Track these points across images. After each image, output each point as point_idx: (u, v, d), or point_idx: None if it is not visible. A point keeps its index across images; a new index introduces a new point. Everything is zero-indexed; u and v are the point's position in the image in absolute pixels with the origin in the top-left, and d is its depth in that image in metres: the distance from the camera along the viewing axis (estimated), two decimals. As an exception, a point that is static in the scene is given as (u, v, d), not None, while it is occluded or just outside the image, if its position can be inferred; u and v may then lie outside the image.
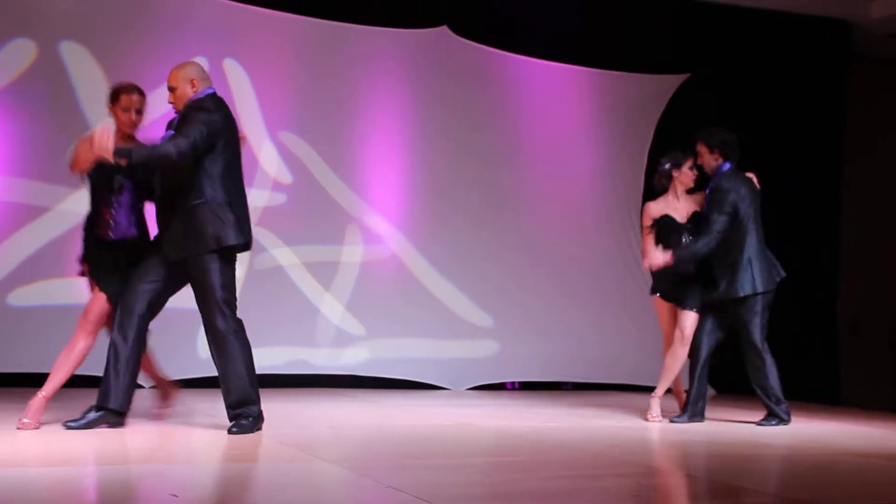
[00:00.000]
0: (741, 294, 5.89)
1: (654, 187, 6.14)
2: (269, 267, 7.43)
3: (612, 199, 8.66)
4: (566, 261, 8.41)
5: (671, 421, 5.93)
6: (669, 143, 8.50)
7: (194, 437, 4.67)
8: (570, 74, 8.61)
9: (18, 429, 4.57)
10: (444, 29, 8.06)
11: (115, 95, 4.84)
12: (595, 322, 8.38)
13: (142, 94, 4.87)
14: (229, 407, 4.78)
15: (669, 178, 6.04)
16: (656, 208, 6.08)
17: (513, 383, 8.31)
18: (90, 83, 6.84)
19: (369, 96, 7.86)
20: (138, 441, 4.49)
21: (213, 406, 5.81)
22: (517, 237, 8.25)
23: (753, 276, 5.90)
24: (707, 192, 5.98)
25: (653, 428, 5.75)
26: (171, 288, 4.87)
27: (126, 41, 6.99)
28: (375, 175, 7.87)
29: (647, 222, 6.07)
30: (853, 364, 8.75)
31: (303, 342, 7.51)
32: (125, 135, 4.80)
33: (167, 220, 4.75)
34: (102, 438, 4.48)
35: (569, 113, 8.63)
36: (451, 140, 8.07)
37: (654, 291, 6.14)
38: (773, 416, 5.93)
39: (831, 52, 8.72)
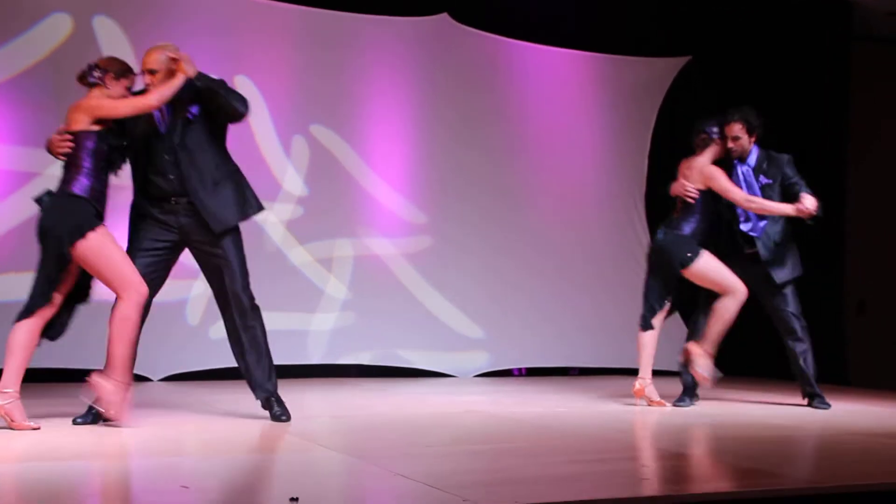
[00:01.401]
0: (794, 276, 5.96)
1: (693, 146, 6.00)
2: (272, 252, 7.41)
3: (616, 184, 8.66)
4: (571, 245, 8.41)
5: (674, 405, 5.93)
6: (672, 126, 8.52)
7: (201, 429, 4.69)
8: (572, 59, 8.59)
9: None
10: (445, 16, 8.03)
11: (126, 73, 4.69)
12: (601, 306, 8.38)
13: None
14: (273, 388, 4.85)
15: (708, 144, 5.94)
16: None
17: (519, 369, 8.32)
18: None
19: (368, 86, 7.84)
20: (146, 434, 4.50)
21: (217, 398, 5.83)
22: (521, 223, 8.24)
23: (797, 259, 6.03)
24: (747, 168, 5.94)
25: (658, 412, 5.75)
26: (170, 267, 4.89)
27: (153, 16, 6.98)
28: (375, 165, 7.85)
29: (712, 175, 5.89)
30: (860, 344, 8.74)
31: (307, 330, 7.51)
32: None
33: (205, 194, 4.71)
34: (109, 432, 4.50)
35: (571, 98, 8.61)
36: (453, 128, 8.05)
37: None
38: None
39: (832, 32, 8.69)
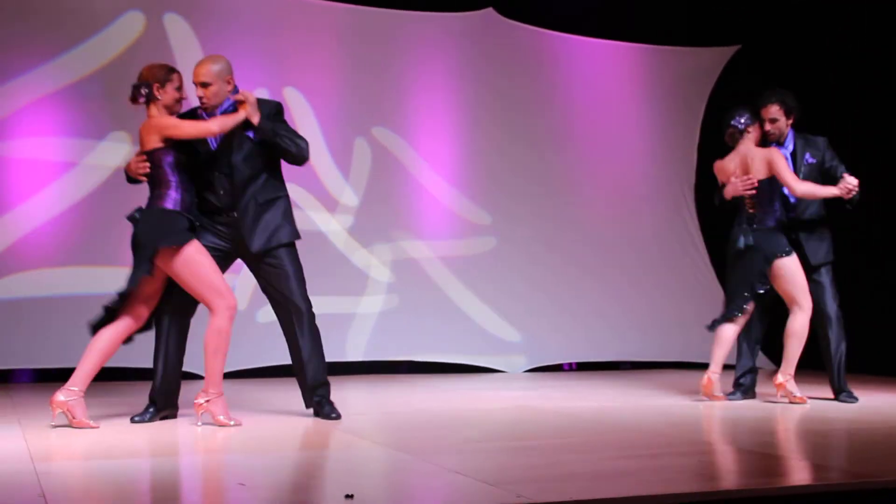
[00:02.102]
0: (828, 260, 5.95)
1: (725, 142, 5.96)
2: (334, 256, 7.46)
3: (665, 176, 8.60)
4: (620, 239, 8.36)
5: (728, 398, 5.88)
6: (722, 117, 8.41)
7: (253, 426, 4.73)
8: (618, 51, 8.54)
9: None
10: (490, 11, 8.02)
11: (168, 75, 4.72)
12: (651, 300, 8.33)
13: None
14: (325, 391, 4.94)
15: (743, 133, 5.85)
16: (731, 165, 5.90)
17: (570, 364, 8.29)
18: (188, 55, 6.92)
19: (415, 82, 7.86)
20: (201, 432, 4.55)
21: (269, 395, 5.88)
22: (571, 218, 8.22)
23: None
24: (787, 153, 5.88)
25: (712, 406, 5.70)
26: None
27: (219, 14, 7.19)
28: (426, 162, 7.87)
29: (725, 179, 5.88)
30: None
31: (359, 328, 7.54)
32: (173, 113, 4.76)
33: (250, 213, 4.80)
34: (163, 430, 4.56)
35: (618, 90, 8.56)
36: (501, 123, 8.05)
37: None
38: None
39: (885, 16, 8.52)
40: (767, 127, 5.92)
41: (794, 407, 5.65)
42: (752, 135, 5.84)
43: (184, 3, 7.16)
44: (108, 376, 6.32)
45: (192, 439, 4.39)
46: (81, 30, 6.85)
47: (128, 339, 4.74)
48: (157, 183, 4.68)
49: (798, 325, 5.76)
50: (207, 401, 4.64)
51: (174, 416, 4.91)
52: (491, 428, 4.88)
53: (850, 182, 5.75)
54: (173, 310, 4.82)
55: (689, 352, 8.24)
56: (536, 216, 8.11)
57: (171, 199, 4.64)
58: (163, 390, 4.85)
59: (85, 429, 4.50)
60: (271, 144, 4.79)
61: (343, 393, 5.41)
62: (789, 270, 5.73)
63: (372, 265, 7.61)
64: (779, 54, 8.44)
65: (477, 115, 8.02)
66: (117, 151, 6.78)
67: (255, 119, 4.72)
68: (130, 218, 4.70)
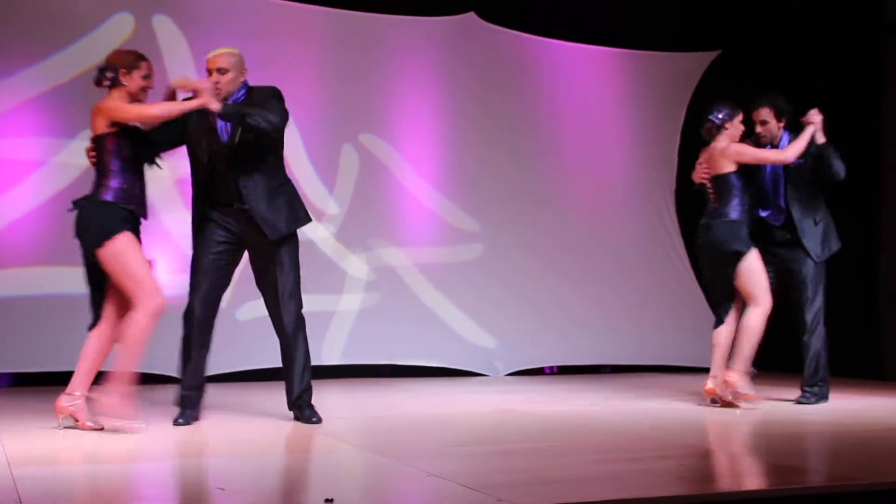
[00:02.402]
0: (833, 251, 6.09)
1: (703, 136, 5.94)
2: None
3: (645, 180, 8.62)
4: (601, 243, 8.38)
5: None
6: (702, 121, 8.45)
7: (235, 430, 4.70)
8: (599, 56, 8.56)
9: None
10: (471, 15, 8.02)
11: (136, 62, 4.63)
12: (632, 304, 8.35)
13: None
14: (307, 395, 4.92)
15: (720, 129, 5.82)
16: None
17: (551, 368, 8.29)
18: (177, 56, 6.98)
19: (396, 86, 7.85)
20: (182, 435, 4.52)
21: (251, 399, 5.86)
22: (551, 222, 8.22)
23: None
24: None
25: (693, 409, 5.71)
26: (233, 268, 4.99)
27: (208, 16, 7.19)
28: (405, 165, 7.86)
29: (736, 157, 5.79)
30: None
31: (339, 331, 7.52)
32: (137, 101, 4.66)
33: (262, 202, 4.78)
34: (144, 435, 4.53)
35: (599, 95, 8.58)
36: (481, 127, 8.05)
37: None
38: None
39: (864, 22, 8.59)
40: (758, 129, 5.97)
41: (777, 410, 5.67)
42: (729, 132, 5.80)
43: (172, 4, 7.13)
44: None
45: (172, 444, 4.36)
46: (71, 31, 6.81)
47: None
48: (100, 171, 4.57)
49: (753, 321, 5.69)
50: (73, 401, 4.55)
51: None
52: (472, 431, 4.88)
53: (814, 116, 5.85)
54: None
55: (669, 355, 8.27)
56: (518, 221, 8.11)
57: (111, 190, 4.53)
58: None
59: (88, 430, 4.50)
60: (242, 127, 4.71)
61: (323, 396, 5.38)
62: (748, 266, 5.69)
63: (355, 269, 7.58)
64: (758, 60, 8.49)
65: (458, 121, 8.01)
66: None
67: (214, 106, 4.62)
68: (75, 204, 4.58)
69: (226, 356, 6.82)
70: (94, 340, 4.60)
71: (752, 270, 5.70)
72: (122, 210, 4.54)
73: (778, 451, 4.41)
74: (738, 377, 5.68)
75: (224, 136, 4.80)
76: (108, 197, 4.53)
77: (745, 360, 5.72)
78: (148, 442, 4.40)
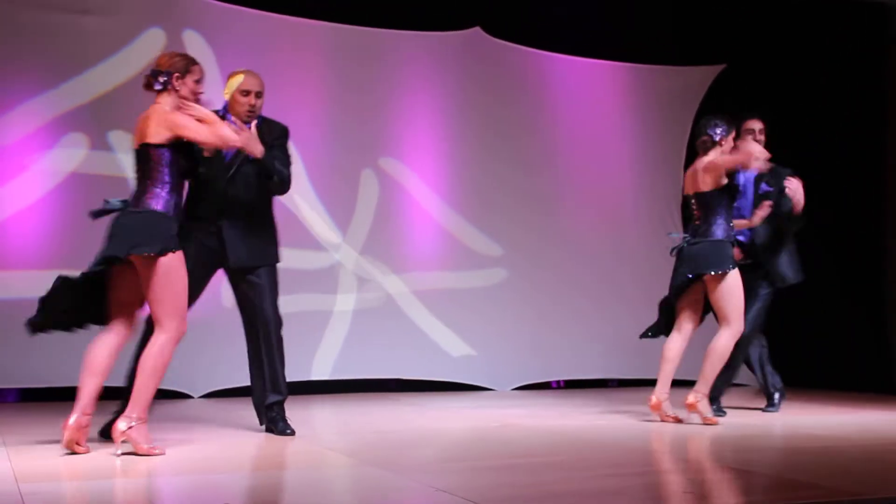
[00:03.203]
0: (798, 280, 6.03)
1: (696, 148, 5.85)
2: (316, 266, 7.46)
3: (651, 194, 8.62)
4: (608, 257, 8.38)
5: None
6: (698, 134, 8.44)
7: (240, 445, 4.71)
8: (606, 70, 8.58)
9: None
10: (477, 30, 8.05)
11: (189, 66, 4.49)
12: (639, 318, 8.30)
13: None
14: (280, 407, 4.95)
15: (715, 145, 5.70)
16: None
17: (557, 382, 8.28)
18: (206, 70, 7.00)
19: (402, 100, 7.88)
20: (186, 451, 4.53)
21: (251, 413, 5.86)
22: (558, 235, 8.23)
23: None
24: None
25: (700, 424, 5.69)
26: (203, 287, 4.97)
27: (235, 31, 7.34)
28: (413, 179, 7.88)
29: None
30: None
31: (345, 344, 7.53)
32: (179, 109, 4.58)
33: (237, 228, 4.84)
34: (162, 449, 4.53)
35: (606, 109, 8.59)
36: (488, 141, 8.07)
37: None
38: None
39: (869, 36, 8.60)
40: (759, 136, 5.97)
41: (773, 425, 5.65)
42: (723, 148, 5.70)
43: (201, 20, 7.26)
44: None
45: (177, 459, 4.36)
46: (108, 46, 6.99)
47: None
48: (147, 179, 4.34)
49: (721, 344, 5.60)
50: (130, 427, 4.28)
51: None
52: (477, 446, 4.88)
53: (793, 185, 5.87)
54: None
55: (676, 370, 8.23)
56: (525, 235, 8.12)
57: (163, 201, 4.34)
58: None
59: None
60: (265, 170, 4.83)
61: (329, 410, 5.40)
62: (728, 287, 5.59)
63: (359, 282, 7.61)
64: (764, 74, 8.50)
65: (463, 135, 8.03)
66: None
67: (257, 152, 4.76)
68: (108, 209, 4.36)
69: (231, 369, 6.86)
70: (101, 357, 4.37)
71: (731, 290, 5.59)
72: (175, 224, 4.37)
73: (783, 465, 4.40)
74: (701, 400, 5.56)
75: (227, 157, 4.85)
76: (160, 208, 4.33)
77: (707, 383, 5.61)
78: (154, 458, 4.40)
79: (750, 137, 5.96)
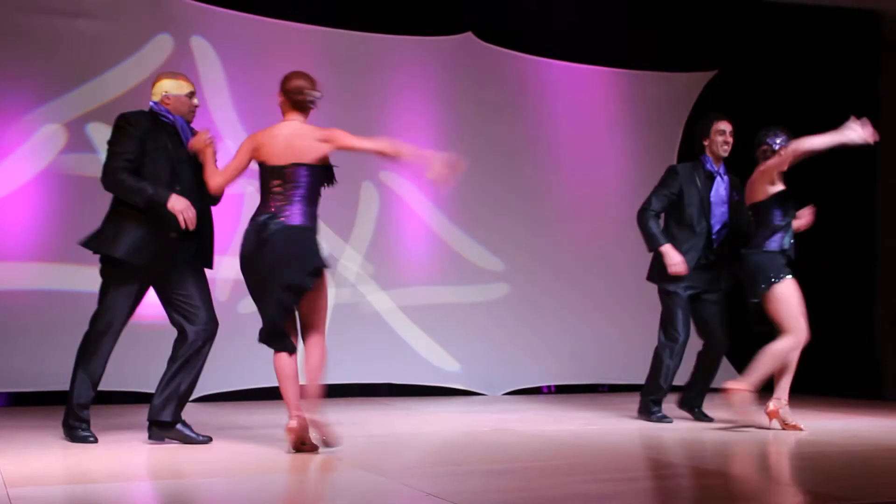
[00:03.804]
0: None
1: (756, 157, 5.78)
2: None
3: (642, 200, 8.61)
4: (598, 263, 8.38)
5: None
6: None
7: (231, 449, 4.69)
8: (598, 76, 8.59)
9: None
10: (469, 35, 8.06)
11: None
12: (629, 323, 8.34)
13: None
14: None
15: (773, 154, 5.67)
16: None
17: (549, 387, 8.28)
18: (212, 75, 7.31)
19: (395, 105, 7.88)
20: (176, 455, 4.51)
21: (247, 418, 5.85)
22: (550, 243, 8.23)
23: None
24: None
25: (690, 428, 5.70)
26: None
27: (240, 37, 7.47)
28: (403, 184, 7.87)
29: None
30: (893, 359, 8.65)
31: (338, 349, 7.51)
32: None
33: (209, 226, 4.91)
34: (137, 454, 4.52)
35: (597, 115, 8.60)
36: (480, 146, 8.05)
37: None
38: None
39: (862, 43, 8.64)
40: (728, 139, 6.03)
41: (762, 430, 5.65)
42: (774, 160, 5.67)
43: (208, 27, 7.37)
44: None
45: (171, 463, 4.35)
46: (121, 52, 7.11)
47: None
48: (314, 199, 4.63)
49: (777, 347, 5.54)
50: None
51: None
52: (469, 451, 4.87)
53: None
54: None
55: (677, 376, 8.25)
56: (515, 243, 8.12)
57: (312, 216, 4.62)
58: None
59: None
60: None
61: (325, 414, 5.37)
62: (783, 295, 5.55)
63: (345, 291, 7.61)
64: (755, 79, 8.52)
65: (455, 140, 8.00)
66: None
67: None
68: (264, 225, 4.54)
69: (223, 374, 6.84)
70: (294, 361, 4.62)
71: (787, 298, 5.55)
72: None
73: (774, 471, 4.41)
74: (781, 405, 5.60)
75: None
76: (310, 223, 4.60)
77: (779, 389, 5.63)
78: (144, 461, 4.39)
79: (721, 139, 6.00)
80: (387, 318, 7.73)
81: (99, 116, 6.92)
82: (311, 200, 4.60)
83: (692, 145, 8.46)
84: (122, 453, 4.53)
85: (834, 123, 8.04)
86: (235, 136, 7.03)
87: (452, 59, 8.02)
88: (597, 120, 8.59)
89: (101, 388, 4.88)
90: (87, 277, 5.51)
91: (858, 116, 5.89)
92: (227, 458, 4.48)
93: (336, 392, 7.28)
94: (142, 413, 4.92)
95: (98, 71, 7.04)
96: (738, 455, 4.84)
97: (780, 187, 5.66)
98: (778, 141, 5.70)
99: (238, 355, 6.68)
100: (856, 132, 5.57)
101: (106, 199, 4.86)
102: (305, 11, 7.61)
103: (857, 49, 8.43)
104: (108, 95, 6.99)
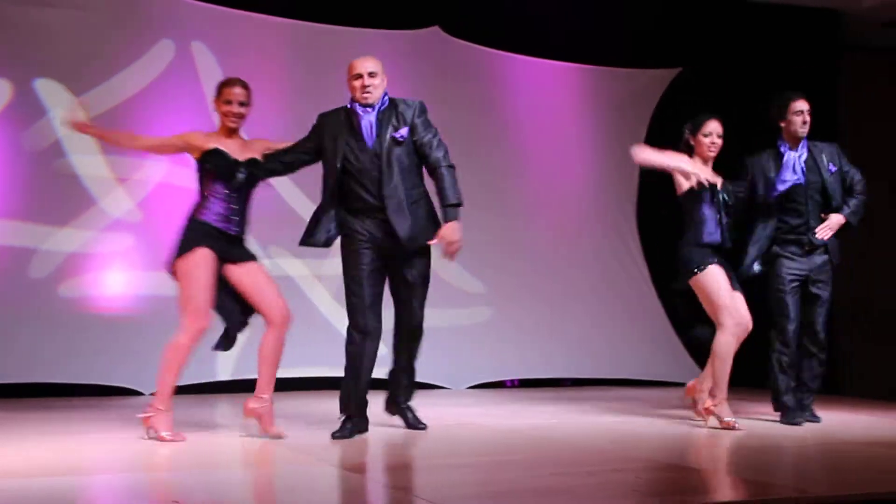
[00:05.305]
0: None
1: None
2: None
3: (607, 195, 8.68)
4: (563, 258, 8.42)
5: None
6: (665, 138, 8.51)
7: (194, 443, 4.68)
8: (563, 72, 8.62)
9: None
10: (436, 29, 8.06)
11: (218, 90, 4.94)
12: (593, 318, 8.40)
13: (245, 86, 4.93)
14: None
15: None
16: None
17: (512, 381, 8.32)
18: (213, 80, 7.23)
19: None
20: (139, 449, 4.50)
21: (212, 411, 5.83)
22: (513, 236, 8.26)
23: None
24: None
25: (651, 423, 5.75)
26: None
27: (237, 41, 7.60)
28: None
29: None
30: (850, 353, 8.77)
31: (300, 344, 7.49)
32: (228, 129, 4.90)
33: (401, 210, 4.89)
34: (95, 447, 4.50)
35: (562, 110, 8.64)
36: (445, 140, 8.05)
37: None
38: None
39: (823, 42, 8.74)
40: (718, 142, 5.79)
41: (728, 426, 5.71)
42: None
43: (207, 32, 7.46)
44: (91, 392, 6.47)
45: (133, 456, 4.33)
46: (123, 57, 7.25)
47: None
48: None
49: (721, 345, 5.51)
50: (150, 416, 4.66)
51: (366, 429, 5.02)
52: (431, 444, 4.89)
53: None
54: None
55: (629, 369, 8.32)
56: (478, 235, 8.10)
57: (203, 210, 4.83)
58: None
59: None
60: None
61: (289, 408, 5.37)
62: (706, 284, 5.51)
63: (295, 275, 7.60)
64: (719, 77, 8.59)
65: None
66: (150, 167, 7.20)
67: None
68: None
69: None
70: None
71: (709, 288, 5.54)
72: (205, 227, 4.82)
73: (732, 463, 4.46)
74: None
75: (370, 143, 4.91)
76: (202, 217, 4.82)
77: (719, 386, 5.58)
78: (108, 454, 4.37)
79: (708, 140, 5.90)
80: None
81: (107, 120, 6.92)
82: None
83: (657, 141, 8.54)
84: (87, 446, 4.51)
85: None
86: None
87: (419, 53, 8.01)
88: (563, 115, 8.63)
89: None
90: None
91: (818, 116, 5.94)
92: (187, 452, 4.47)
93: (300, 385, 7.30)
94: (114, 406, 4.89)
95: (107, 76, 7.16)
96: (699, 449, 4.90)
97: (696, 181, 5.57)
98: (686, 130, 5.75)
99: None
100: (697, 172, 5.55)
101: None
102: (266, 2, 7.58)
103: (817, 48, 8.53)
104: (115, 101, 7.15)
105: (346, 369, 4.94)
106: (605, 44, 8.56)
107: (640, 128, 8.70)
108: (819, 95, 8.30)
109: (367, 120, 4.93)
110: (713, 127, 5.72)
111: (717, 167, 5.97)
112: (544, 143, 8.50)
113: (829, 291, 5.87)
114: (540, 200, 8.43)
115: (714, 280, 5.50)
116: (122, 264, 7.15)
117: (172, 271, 4.75)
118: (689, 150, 5.76)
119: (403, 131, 4.94)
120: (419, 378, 7.74)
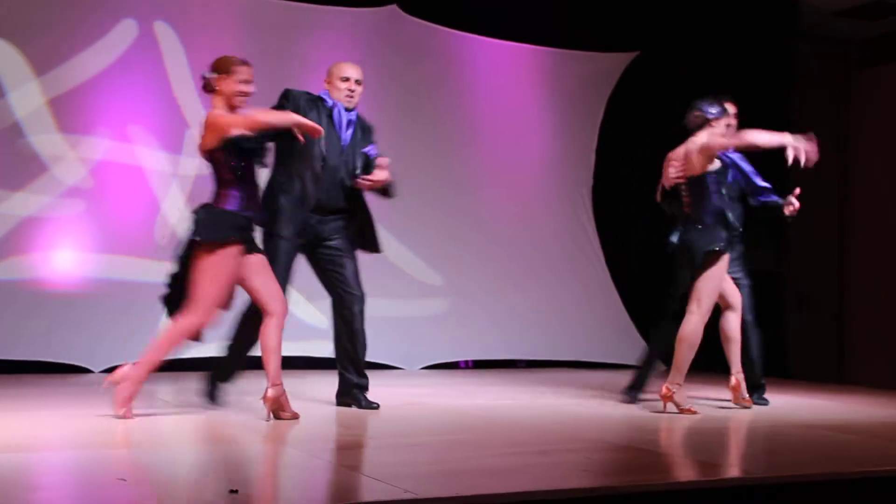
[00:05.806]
0: None
1: (688, 127, 5.63)
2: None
3: (563, 177, 8.71)
4: (518, 239, 8.44)
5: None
6: (621, 120, 8.56)
7: (144, 421, 4.63)
8: (520, 53, 8.61)
9: None
10: (394, 8, 8.01)
11: (230, 69, 4.71)
12: (548, 300, 8.43)
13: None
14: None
15: (705, 124, 5.56)
16: None
17: (466, 362, 8.33)
18: (177, 61, 7.39)
19: (317, 76, 7.77)
20: (87, 425, 4.43)
21: (161, 389, 5.77)
22: (469, 216, 8.26)
23: None
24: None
25: (603, 404, 5.78)
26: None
27: (202, 21, 7.54)
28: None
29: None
30: (800, 337, 8.91)
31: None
32: (234, 108, 4.71)
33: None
34: (48, 423, 4.43)
35: (519, 91, 8.64)
36: (401, 119, 8.03)
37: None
38: None
39: (778, 29, 8.81)
40: (733, 121, 5.80)
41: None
42: (713, 129, 5.51)
43: (171, 11, 7.37)
44: (41, 369, 6.49)
45: (82, 434, 4.27)
46: (86, 37, 7.15)
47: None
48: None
49: (688, 332, 5.35)
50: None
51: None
52: (381, 424, 4.88)
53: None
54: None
55: (582, 351, 8.37)
56: (433, 214, 8.12)
57: (227, 199, 4.68)
58: None
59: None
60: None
61: (237, 387, 5.33)
62: (712, 270, 5.35)
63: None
64: (676, 62, 8.63)
65: (376, 112, 7.94)
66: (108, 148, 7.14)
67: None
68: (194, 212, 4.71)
69: (137, 345, 6.72)
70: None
71: (713, 274, 5.39)
72: (242, 218, 4.67)
73: (682, 445, 4.50)
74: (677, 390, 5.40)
75: (345, 142, 5.19)
76: (228, 206, 4.64)
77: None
78: (55, 431, 4.31)
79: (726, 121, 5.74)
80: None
81: (69, 100, 6.98)
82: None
83: (613, 124, 8.58)
84: (43, 423, 4.44)
85: (748, 108, 8.20)
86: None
87: (376, 31, 7.95)
88: (519, 97, 8.63)
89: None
90: None
91: (771, 103, 6.01)
92: (135, 429, 4.41)
93: (255, 365, 7.25)
94: (65, 384, 4.81)
95: (69, 55, 7.06)
96: (649, 430, 4.93)
97: (717, 165, 5.51)
98: (712, 111, 5.54)
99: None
100: (800, 144, 5.51)
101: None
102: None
103: (772, 35, 8.59)
104: (78, 80, 7.08)
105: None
106: (563, 26, 8.57)
107: (597, 110, 8.74)
108: (775, 83, 8.40)
109: (346, 118, 5.28)
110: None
111: (662, 152, 5.93)
112: (501, 124, 8.49)
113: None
114: (497, 181, 8.43)
115: (725, 266, 5.44)
116: (72, 242, 7.04)
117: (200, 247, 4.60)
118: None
119: (371, 149, 5.36)
120: (374, 358, 7.80)
